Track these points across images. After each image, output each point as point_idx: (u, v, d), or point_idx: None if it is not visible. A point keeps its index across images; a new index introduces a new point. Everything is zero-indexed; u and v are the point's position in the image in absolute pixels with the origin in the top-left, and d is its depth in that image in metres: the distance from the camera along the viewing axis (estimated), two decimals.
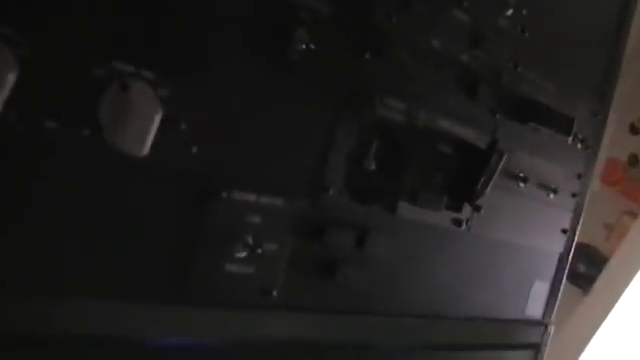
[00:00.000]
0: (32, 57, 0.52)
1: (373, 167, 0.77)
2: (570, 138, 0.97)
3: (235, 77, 0.65)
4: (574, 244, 1.11)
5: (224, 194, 0.67)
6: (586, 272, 2.43)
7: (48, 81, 0.54)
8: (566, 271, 1.11)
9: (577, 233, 1.12)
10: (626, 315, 2.22)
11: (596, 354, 2.26)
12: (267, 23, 0.66)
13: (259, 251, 0.70)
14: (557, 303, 1.12)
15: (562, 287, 1.12)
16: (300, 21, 0.68)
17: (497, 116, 0.90)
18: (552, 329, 1.12)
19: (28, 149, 0.54)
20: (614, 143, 2.40)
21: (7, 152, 0.53)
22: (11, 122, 0.52)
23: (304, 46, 0.68)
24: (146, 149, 0.57)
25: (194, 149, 0.63)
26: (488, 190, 0.85)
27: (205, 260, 0.67)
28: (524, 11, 0.89)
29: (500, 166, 0.85)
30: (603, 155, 1.99)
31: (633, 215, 2.33)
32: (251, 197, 0.69)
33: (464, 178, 0.85)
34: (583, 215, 1.12)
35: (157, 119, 0.57)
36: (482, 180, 0.84)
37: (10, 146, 0.53)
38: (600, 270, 2.29)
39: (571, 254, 1.11)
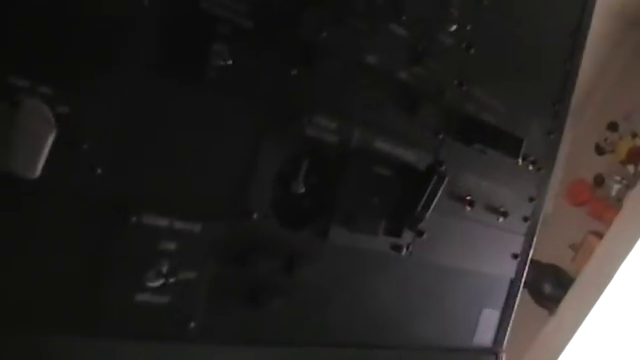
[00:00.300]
0: None
1: (302, 190, 0.72)
2: (519, 160, 0.92)
3: (146, 94, 0.60)
4: (526, 269, 1.06)
5: (133, 219, 0.62)
6: (552, 293, 2.41)
7: None
8: (518, 297, 1.06)
9: (529, 257, 1.07)
10: (592, 335, 2.19)
11: None
12: (181, 37, 0.61)
13: (174, 280, 0.65)
14: (508, 330, 1.07)
15: (514, 314, 1.07)
16: (218, 35, 0.63)
17: (441, 136, 0.86)
18: (504, 357, 1.07)
19: None
20: (580, 163, 2.39)
21: None
22: None
23: (223, 62, 0.63)
24: (37, 171, 0.52)
25: (98, 170, 0.58)
26: (428, 214, 0.80)
27: (113, 290, 0.62)
28: (468, 27, 0.85)
29: (441, 189, 0.80)
30: (559, 175, 1.96)
31: (599, 235, 2.30)
32: (164, 222, 0.64)
33: (404, 202, 0.81)
34: (548, 236, 1.07)
35: (50, 139, 0.52)
36: (421, 204, 0.79)
37: None
38: (566, 290, 2.27)
39: (523, 279, 1.06)
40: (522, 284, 1.08)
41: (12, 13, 0.52)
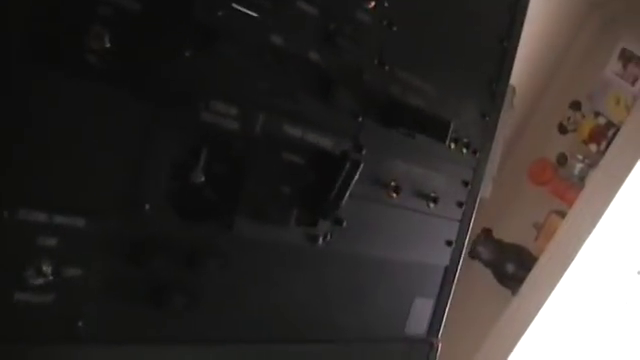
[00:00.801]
0: None
1: (202, 179, 0.68)
2: (447, 143, 0.88)
3: (18, 82, 0.56)
4: (462, 256, 1.02)
5: (5, 214, 0.57)
6: (515, 272, 2.39)
7: None
8: (454, 285, 1.03)
9: (465, 243, 1.03)
10: (555, 315, 2.18)
11: (525, 355, 2.22)
12: (57, 21, 0.56)
13: (57, 277, 0.61)
14: (444, 318, 1.04)
15: (449, 302, 1.03)
16: (98, 18, 0.58)
17: (360, 120, 0.81)
18: (439, 346, 1.03)
19: None
20: (543, 143, 2.36)
21: None
22: None
23: (105, 45, 0.58)
24: None
25: None
26: (343, 202, 0.76)
27: None
28: (386, 3, 0.80)
29: (356, 176, 0.76)
30: (497, 158, 1.93)
31: (562, 214, 2.28)
32: (41, 217, 0.59)
33: (318, 190, 0.76)
34: (510, 216, 1.03)
35: None
36: (335, 192, 0.75)
37: None
38: (529, 270, 2.25)
39: (459, 266, 1.03)
40: (458, 271, 1.04)
41: None
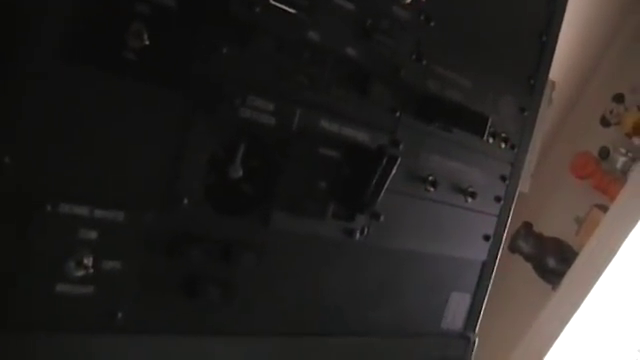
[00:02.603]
0: None
1: (240, 174, 0.69)
2: (485, 138, 0.88)
3: (58, 79, 0.57)
4: (500, 251, 1.02)
5: (48, 207, 0.59)
6: (555, 267, 2.37)
7: None
8: (491, 280, 1.03)
9: (503, 238, 1.02)
10: (595, 310, 2.16)
11: (565, 349, 2.21)
12: (94, 18, 0.57)
13: (98, 270, 0.62)
14: (481, 313, 1.03)
15: (487, 296, 1.03)
16: (136, 14, 0.59)
17: (397, 115, 0.82)
18: (476, 341, 1.03)
19: None
20: (585, 136, 2.34)
21: None
22: None
23: (144, 43, 0.59)
24: None
25: (6, 159, 0.55)
26: (380, 197, 0.76)
27: (30, 280, 0.59)
28: None
29: (393, 170, 0.76)
30: (535, 153, 1.91)
31: (603, 209, 2.26)
32: (83, 211, 0.61)
33: (355, 184, 0.77)
34: (551, 209, 1.03)
35: None
36: (372, 186, 0.75)
37: None
38: (569, 265, 2.24)
39: (497, 261, 1.02)
40: (496, 266, 1.03)
41: None
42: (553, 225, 2.42)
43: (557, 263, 2.34)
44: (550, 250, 2.36)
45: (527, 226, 2.38)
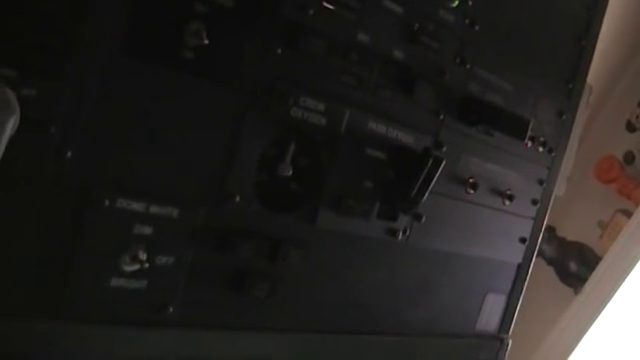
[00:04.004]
0: None
1: (289, 172, 0.70)
2: (525, 142, 0.88)
3: (117, 75, 0.58)
4: (535, 253, 1.03)
5: (106, 202, 0.60)
6: (578, 271, 2.37)
7: None
8: (526, 282, 1.03)
9: (539, 241, 1.03)
10: (617, 315, 2.16)
11: (587, 353, 2.21)
12: (155, 16, 0.59)
13: (151, 264, 0.63)
14: (515, 315, 1.04)
15: (521, 298, 1.04)
16: (195, 14, 0.60)
17: (441, 117, 0.83)
18: (510, 343, 1.04)
19: None
20: (610, 140, 2.33)
21: None
22: None
23: (199, 41, 0.60)
24: None
25: (68, 154, 0.57)
26: (424, 198, 0.77)
27: (86, 274, 0.61)
28: (470, 2, 0.81)
29: (438, 172, 0.77)
30: (572, 156, 1.91)
31: (627, 214, 2.25)
32: (139, 206, 0.62)
33: (399, 185, 0.78)
34: (575, 213, 1.03)
35: (10, 124, 0.50)
36: (417, 188, 0.76)
37: None
38: (592, 269, 2.23)
39: (532, 263, 1.03)
40: (531, 268, 1.04)
41: None
42: (576, 229, 2.41)
43: (579, 267, 2.34)
44: (573, 254, 2.36)
45: (550, 230, 2.38)
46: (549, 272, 2.40)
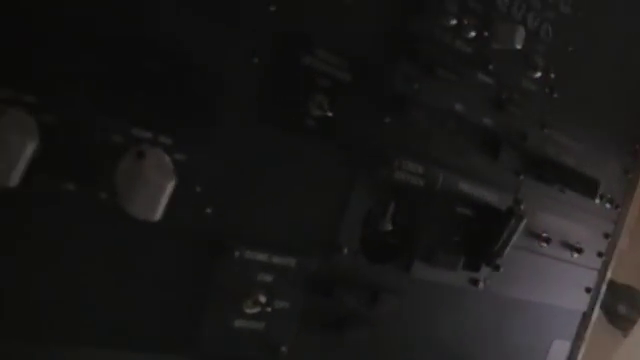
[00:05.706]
0: (52, 122, 0.54)
1: (390, 228, 0.78)
2: (596, 200, 0.96)
3: (251, 141, 0.67)
4: (598, 302, 1.09)
5: (236, 253, 0.68)
6: (627, 313, 2.39)
7: (68, 146, 0.56)
8: (589, 329, 1.10)
9: (602, 291, 1.10)
10: None
11: None
12: (284, 88, 0.68)
13: (270, 308, 0.71)
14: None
15: (584, 345, 1.10)
16: (318, 88, 0.69)
17: (521, 177, 0.90)
18: None
19: (46, 210, 0.56)
20: None
21: (25, 213, 0.55)
22: (31, 185, 0.53)
23: (322, 112, 0.69)
24: (157, 215, 0.57)
25: (208, 210, 0.65)
26: (506, 252, 0.85)
27: (215, 315, 0.69)
28: (552, 74, 0.89)
29: (520, 229, 0.84)
30: (635, 211, 1.95)
31: None
32: (263, 257, 0.70)
33: (483, 239, 0.85)
34: (624, 256, 1.10)
35: (169, 187, 0.58)
36: (501, 242, 0.84)
37: (27, 207, 0.55)
38: None
39: (595, 313, 1.10)
40: (594, 316, 1.11)
41: (137, 73, 0.58)
42: (626, 272, 2.43)
43: (629, 310, 2.36)
44: (622, 297, 2.38)
45: None
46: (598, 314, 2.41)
